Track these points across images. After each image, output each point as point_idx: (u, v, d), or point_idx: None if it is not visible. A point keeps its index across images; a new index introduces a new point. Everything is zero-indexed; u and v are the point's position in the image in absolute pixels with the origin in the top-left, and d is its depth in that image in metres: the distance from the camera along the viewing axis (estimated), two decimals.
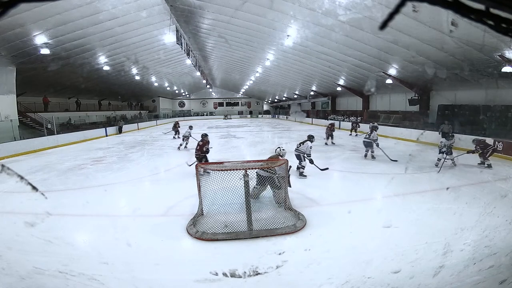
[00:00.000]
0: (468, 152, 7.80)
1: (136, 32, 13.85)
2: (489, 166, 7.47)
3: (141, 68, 20.95)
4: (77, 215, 4.75)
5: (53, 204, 5.23)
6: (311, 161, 6.79)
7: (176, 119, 22.97)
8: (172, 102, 45.04)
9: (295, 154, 7.07)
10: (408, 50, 10.95)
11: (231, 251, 3.47)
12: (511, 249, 2.97)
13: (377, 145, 8.86)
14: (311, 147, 6.92)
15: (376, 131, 9.00)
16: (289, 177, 5.19)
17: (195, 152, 7.31)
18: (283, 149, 5.61)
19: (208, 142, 7.44)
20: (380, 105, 20.46)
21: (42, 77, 16.12)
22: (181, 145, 11.95)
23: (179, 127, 16.28)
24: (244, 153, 11.54)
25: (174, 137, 15.86)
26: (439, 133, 10.83)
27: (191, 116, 44.68)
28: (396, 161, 8.38)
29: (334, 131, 12.89)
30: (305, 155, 6.93)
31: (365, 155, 9.20)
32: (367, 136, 9.09)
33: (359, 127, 16.68)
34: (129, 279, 2.93)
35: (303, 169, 6.98)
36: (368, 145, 8.99)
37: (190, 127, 12.31)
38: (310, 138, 7.11)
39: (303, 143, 7.04)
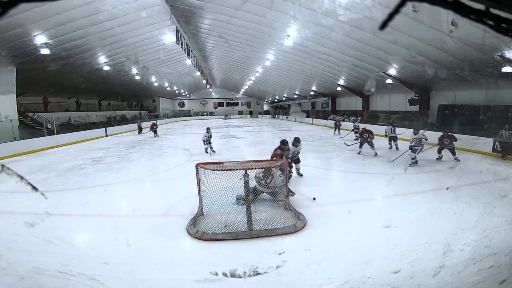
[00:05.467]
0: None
1: (136, 32, 13.86)
2: (440, 158, 8.54)
3: (141, 68, 20.95)
4: (77, 215, 4.76)
5: (53, 204, 5.23)
6: (296, 164, 6.25)
7: (154, 120, 22.89)
8: (172, 102, 45.04)
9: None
10: (408, 50, 10.96)
11: (231, 251, 3.47)
12: (511, 249, 2.97)
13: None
14: (293, 151, 6.21)
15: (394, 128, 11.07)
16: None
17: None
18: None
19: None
20: (380, 105, 20.46)
21: (42, 77, 16.12)
22: (206, 150, 10.66)
23: (156, 127, 18.01)
24: (244, 153, 11.55)
25: (154, 136, 17.44)
26: (497, 139, 9.06)
27: (191, 116, 44.69)
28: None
29: (371, 138, 9.65)
30: (289, 159, 6.23)
31: (390, 147, 10.94)
32: (393, 132, 10.89)
33: (340, 125, 17.86)
34: (129, 279, 2.93)
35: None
36: (393, 138, 10.89)
37: (208, 130, 10.59)
38: (295, 142, 6.37)
39: None
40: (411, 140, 7.92)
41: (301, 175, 6.77)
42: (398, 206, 4.97)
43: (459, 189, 5.72)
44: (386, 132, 11.18)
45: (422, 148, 7.92)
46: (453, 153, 8.41)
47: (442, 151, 8.56)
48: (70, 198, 5.68)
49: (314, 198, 5.19)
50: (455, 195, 5.37)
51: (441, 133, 8.76)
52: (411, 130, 8.26)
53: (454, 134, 8.63)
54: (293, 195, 5.17)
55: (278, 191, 4.73)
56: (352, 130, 14.71)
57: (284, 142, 6.03)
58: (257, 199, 4.92)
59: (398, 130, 10.91)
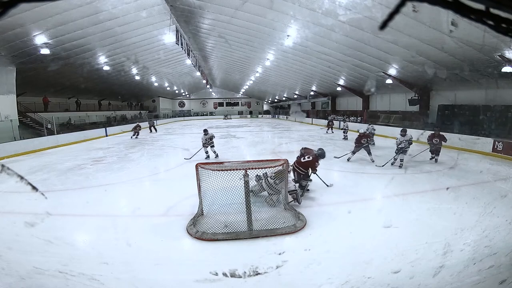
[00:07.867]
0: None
1: (136, 32, 13.85)
2: (432, 158, 8.52)
3: (141, 68, 20.95)
4: (77, 215, 4.76)
5: (53, 204, 5.23)
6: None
7: (137, 122, 21.91)
8: (172, 102, 45.03)
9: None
10: (408, 50, 10.95)
11: (231, 251, 3.47)
12: (511, 249, 2.97)
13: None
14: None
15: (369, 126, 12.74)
16: (295, 192, 4.95)
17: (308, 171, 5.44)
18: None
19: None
20: (380, 105, 20.46)
21: (42, 77, 16.12)
22: (207, 153, 9.72)
23: (139, 129, 17.79)
24: (244, 153, 11.55)
25: (131, 137, 17.25)
26: None
27: (191, 116, 44.70)
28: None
29: (372, 142, 9.14)
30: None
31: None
32: (373, 129, 12.38)
33: (333, 125, 18.44)
34: (129, 279, 2.93)
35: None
36: (372, 135, 11.68)
37: (205, 132, 9.63)
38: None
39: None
40: (399, 142, 7.66)
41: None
42: (398, 206, 4.98)
43: (459, 189, 5.72)
44: (368, 130, 11.83)
45: (408, 148, 7.85)
46: (437, 154, 8.25)
47: (435, 152, 8.31)
48: (70, 198, 5.68)
49: (331, 185, 5.66)
50: (455, 195, 5.37)
51: (432, 132, 8.51)
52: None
53: (445, 134, 8.30)
54: (298, 203, 4.98)
55: (280, 191, 4.72)
56: (341, 129, 14.91)
57: (321, 156, 5.72)
58: (258, 195, 4.95)
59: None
